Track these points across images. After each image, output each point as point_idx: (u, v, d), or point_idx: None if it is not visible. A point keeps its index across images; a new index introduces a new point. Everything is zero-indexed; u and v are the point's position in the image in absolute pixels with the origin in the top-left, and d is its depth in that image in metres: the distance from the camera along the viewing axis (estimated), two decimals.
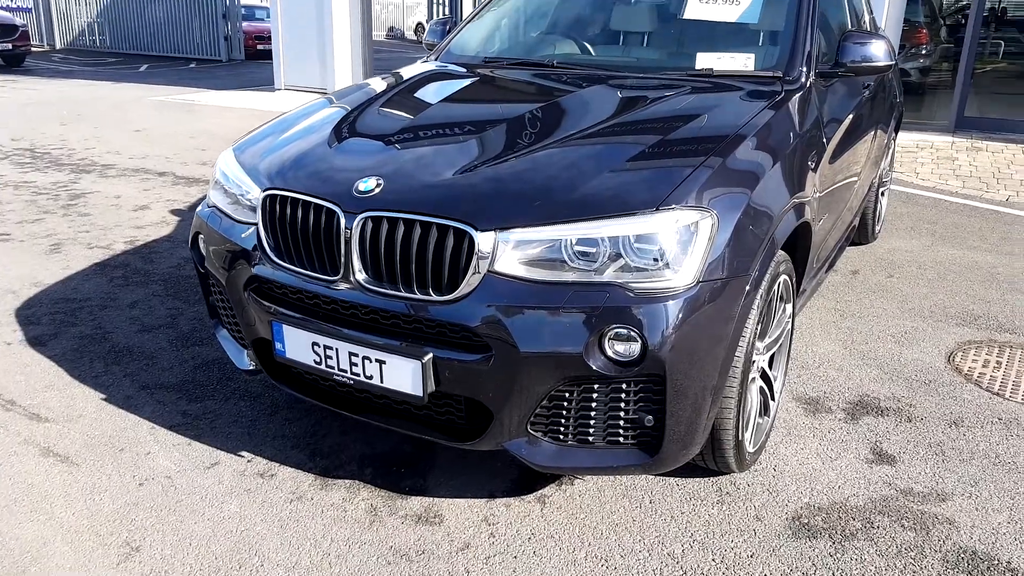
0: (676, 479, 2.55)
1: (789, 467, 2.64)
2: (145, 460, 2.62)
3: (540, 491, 2.49)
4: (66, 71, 15.70)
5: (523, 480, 2.52)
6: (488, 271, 2.03)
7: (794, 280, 2.66)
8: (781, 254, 2.47)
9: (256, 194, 2.42)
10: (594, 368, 1.99)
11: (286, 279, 2.30)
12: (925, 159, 7.43)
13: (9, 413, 2.88)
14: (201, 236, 2.66)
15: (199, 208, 2.74)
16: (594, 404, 2.08)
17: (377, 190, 2.18)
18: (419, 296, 2.10)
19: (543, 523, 2.35)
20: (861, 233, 4.88)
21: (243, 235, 2.43)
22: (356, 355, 2.17)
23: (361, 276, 2.17)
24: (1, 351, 3.36)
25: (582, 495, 2.47)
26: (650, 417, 2.08)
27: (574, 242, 2.02)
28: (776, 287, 2.46)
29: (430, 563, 2.18)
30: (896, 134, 5.23)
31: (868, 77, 3.75)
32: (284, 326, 2.29)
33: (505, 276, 2.03)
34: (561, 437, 2.14)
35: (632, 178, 2.17)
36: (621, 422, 2.10)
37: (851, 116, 3.41)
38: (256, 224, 2.39)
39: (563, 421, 2.12)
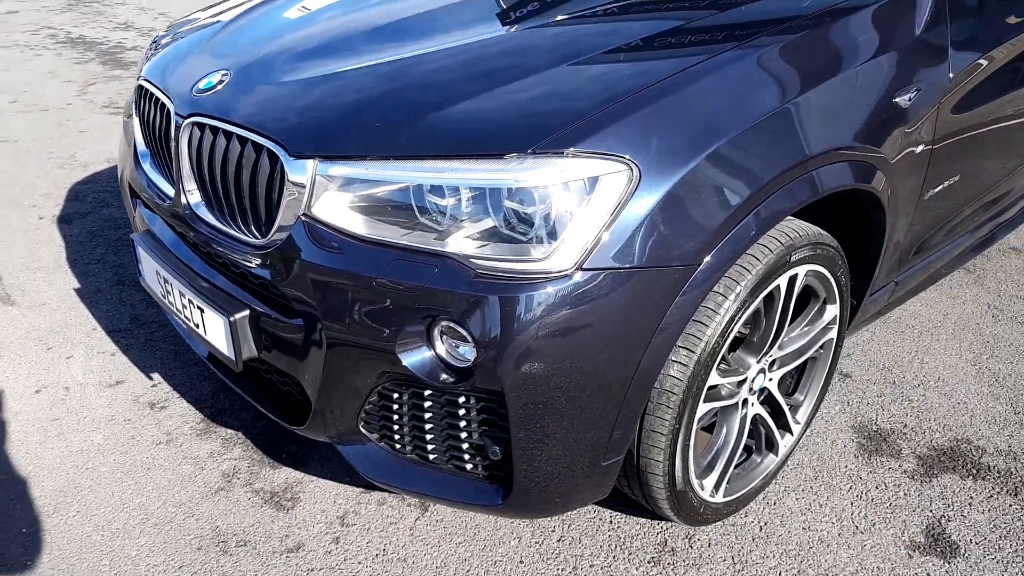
0: (616, 514, 1.90)
1: (784, 531, 1.87)
2: (60, 365, 2.45)
3: None
4: None
5: None
6: (304, 214, 1.48)
7: (844, 272, 1.81)
8: (809, 232, 1.65)
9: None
10: (410, 370, 1.40)
11: (143, 189, 1.91)
12: None
13: None
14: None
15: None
16: (427, 416, 1.50)
17: (220, 87, 1.68)
18: (239, 234, 1.61)
19: (407, 539, 1.84)
20: None
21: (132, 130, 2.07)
22: (184, 296, 1.75)
23: (192, 198, 1.71)
24: (31, 225, 3.37)
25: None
26: (496, 449, 1.46)
27: (428, 189, 1.40)
28: (788, 282, 1.66)
29: (242, 561, 1.78)
30: None
31: None
32: (138, 246, 1.92)
33: (324, 225, 1.46)
34: (398, 446, 1.59)
35: (522, 102, 1.46)
36: (464, 445, 1.51)
37: None
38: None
39: (395, 428, 1.56)
